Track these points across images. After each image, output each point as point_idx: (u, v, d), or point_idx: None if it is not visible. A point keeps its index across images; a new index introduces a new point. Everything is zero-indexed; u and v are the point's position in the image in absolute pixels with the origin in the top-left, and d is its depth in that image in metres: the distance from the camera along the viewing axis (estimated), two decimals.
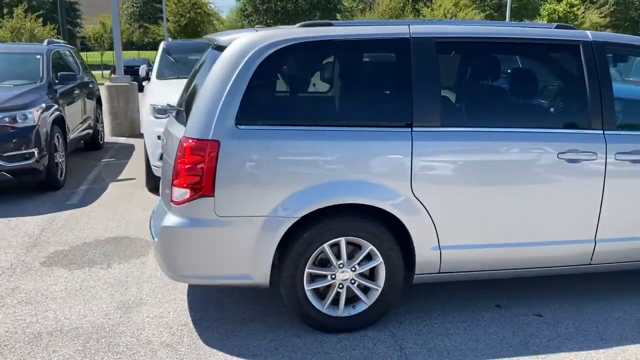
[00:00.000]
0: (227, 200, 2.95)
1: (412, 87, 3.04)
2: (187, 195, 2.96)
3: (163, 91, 6.30)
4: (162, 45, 7.48)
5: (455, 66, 3.41)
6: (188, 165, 2.93)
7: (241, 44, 3.00)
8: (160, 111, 5.99)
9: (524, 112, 3.39)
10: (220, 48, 3.21)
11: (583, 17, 31.59)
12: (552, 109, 3.48)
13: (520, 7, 35.07)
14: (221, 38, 3.18)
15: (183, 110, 3.41)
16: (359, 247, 3.13)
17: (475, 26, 3.29)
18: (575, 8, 27.81)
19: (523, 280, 3.70)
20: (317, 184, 2.99)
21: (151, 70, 7.17)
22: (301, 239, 3.01)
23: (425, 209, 3.08)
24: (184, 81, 6.71)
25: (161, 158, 5.72)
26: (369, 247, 3.09)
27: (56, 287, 3.83)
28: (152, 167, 5.99)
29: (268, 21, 52.82)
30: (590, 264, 3.42)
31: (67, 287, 3.84)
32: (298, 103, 3.09)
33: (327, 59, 3.38)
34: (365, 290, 3.19)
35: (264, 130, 2.98)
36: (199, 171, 2.91)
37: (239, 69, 2.94)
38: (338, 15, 57.18)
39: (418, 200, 3.06)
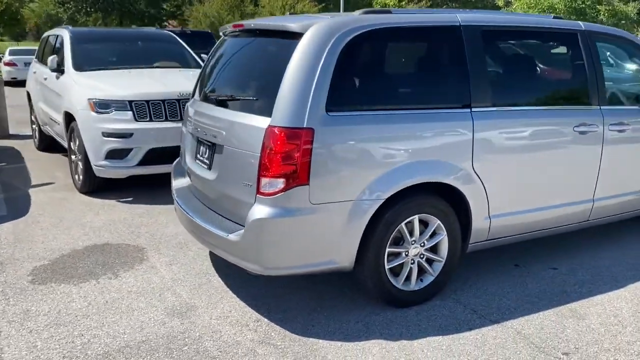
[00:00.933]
0: (320, 188, 2.94)
1: (468, 72, 3.31)
2: (282, 186, 2.89)
3: (99, 85, 5.75)
4: (67, 34, 6.71)
5: (497, 53, 3.75)
6: (282, 155, 2.86)
7: (323, 30, 2.99)
8: (102, 105, 5.51)
9: (550, 92, 3.86)
10: (270, 33, 3.17)
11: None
12: (566, 90, 4.00)
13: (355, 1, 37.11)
14: (292, 24, 3.10)
15: (228, 97, 3.27)
16: (425, 224, 3.33)
17: (505, 16, 3.66)
18: (404, 2, 30.35)
19: (529, 241, 4.21)
20: (399, 166, 3.12)
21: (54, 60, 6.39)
22: (384, 219, 3.11)
23: (482, 182, 3.38)
24: (115, 72, 6.28)
25: (110, 157, 5.35)
26: (437, 222, 3.31)
27: (77, 304, 3.41)
28: (95, 167, 5.48)
29: (88, 9, 48.58)
30: (587, 221, 4.03)
31: (90, 302, 3.44)
32: (378, 88, 3.16)
33: (399, 44, 3.48)
34: (430, 263, 3.40)
35: (351, 115, 3.02)
36: (294, 160, 2.86)
37: (324, 55, 2.94)
38: (164, 5, 54.31)
39: (477, 174, 3.35)
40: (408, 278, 3.33)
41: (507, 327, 3.17)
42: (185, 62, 7.14)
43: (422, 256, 3.34)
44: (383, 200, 3.07)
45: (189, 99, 5.26)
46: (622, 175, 4.05)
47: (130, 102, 5.49)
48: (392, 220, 3.14)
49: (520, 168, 3.54)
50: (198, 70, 6.34)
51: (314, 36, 2.97)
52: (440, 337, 3.05)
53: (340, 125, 2.97)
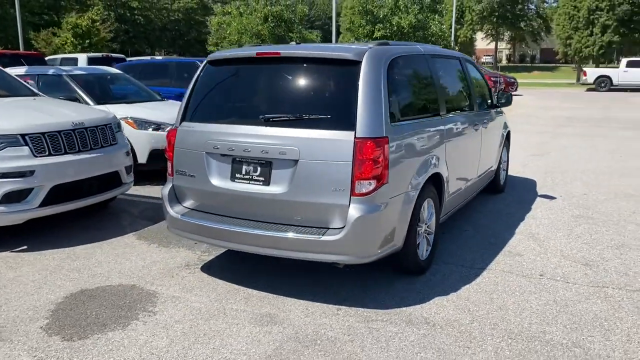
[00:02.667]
0: (391, 185, 3.64)
1: (437, 88, 4.44)
2: (373, 186, 3.50)
3: None
4: None
5: (441, 73, 4.88)
6: (372, 161, 3.47)
7: (376, 58, 3.68)
8: None
9: (464, 102, 5.22)
10: (317, 60, 3.72)
11: None
12: (463, 99, 5.40)
13: None
14: (346, 53, 3.66)
15: (296, 117, 3.64)
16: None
17: (429, 46, 4.88)
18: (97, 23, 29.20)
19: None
20: (425, 162, 4.04)
21: None
22: (418, 204, 3.99)
23: (447, 169, 4.53)
24: None
25: (6, 201, 4.67)
26: (432, 203, 4.33)
27: (134, 353, 3.27)
28: None
29: None
30: (475, 192, 5.60)
31: (149, 344, 3.33)
32: (407, 100, 3.94)
33: (410, 67, 4.26)
34: (428, 236, 4.39)
35: (401, 124, 3.80)
36: (380, 164, 3.51)
37: (382, 77, 3.65)
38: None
39: (447, 164, 4.49)
40: (420, 250, 4.25)
41: (491, 269, 4.38)
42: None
43: (426, 231, 4.30)
44: (420, 189, 3.93)
45: (83, 128, 5.03)
46: (483, 158, 5.74)
47: (24, 135, 4.81)
48: (421, 204, 4.03)
49: (458, 156, 4.82)
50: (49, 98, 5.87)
51: (372, 62, 3.64)
52: (463, 285, 4.07)
53: (398, 133, 3.72)
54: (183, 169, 4.05)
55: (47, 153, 4.94)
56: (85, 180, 5.23)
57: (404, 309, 3.69)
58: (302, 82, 3.85)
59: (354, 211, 3.49)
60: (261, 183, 3.72)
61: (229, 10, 24.87)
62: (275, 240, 3.63)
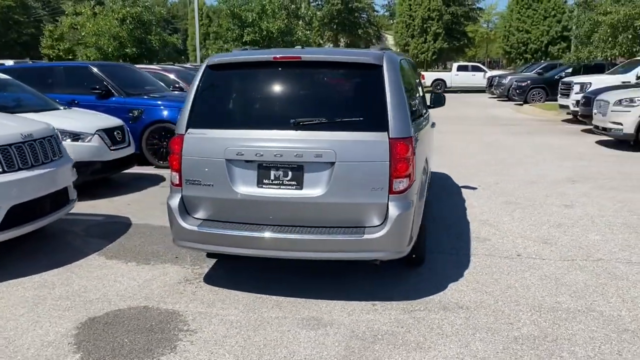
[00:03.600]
0: (415, 182, 3.87)
1: (419, 91, 4.75)
2: (407, 183, 3.69)
3: None
4: None
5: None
6: (406, 159, 3.66)
7: (393, 61, 3.87)
8: None
9: (423, 104, 5.57)
10: (337, 65, 3.83)
11: None
12: (423, 100, 5.76)
13: None
14: (367, 57, 3.78)
15: (329, 121, 3.69)
16: None
17: None
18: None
19: None
20: (423, 161, 4.32)
21: None
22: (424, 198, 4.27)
23: (427, 165, 4.89)
24: None
25: None
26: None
27: None
28: None
29: None
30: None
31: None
32: (411, 102, 4.16)
33: (405, 71, 4.42)
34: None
35: (414, 125, 4.03)
36: (411, 162, 3.71)
37: (400, 78, 3.85)
38: None
39: (426, 160, 4.83)
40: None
41: (475, 254, 4.81)
42: None
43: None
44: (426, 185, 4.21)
45: (33, 140, 4.55)
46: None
47: None
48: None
49: (424, 153, 5.19)
50: None
51: (392, 66, 3.81)
52: (463, 271, 4.43)
53: (414, 133, 3.94)
54: (196, 178, 3.85)
55: (1, 170, 4.33)
56: (41, 198, 4.67)
57: (431, 297, 3.93)
58: (325, 86, 3.91)
59: (394, 209, 3.64)
60: (294, 187, 3.70)
61: (81, 11, 22.99)
62: (315, 243, 3.64)
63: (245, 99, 4.05)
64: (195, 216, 3.93)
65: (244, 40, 21.43)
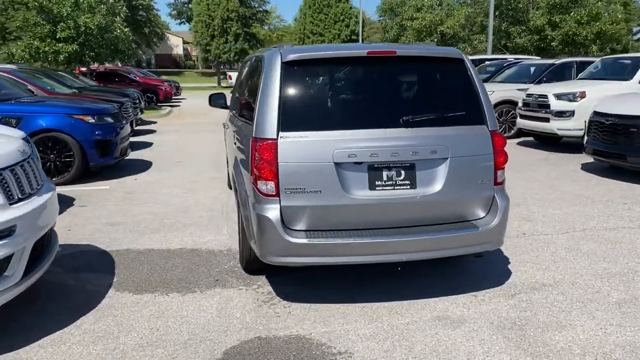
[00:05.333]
0: None
1: None
2: (504, 175, 3.83)
3: None
4: None
5: None
6: (503, 151, 3.80)
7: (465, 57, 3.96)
8: None
9: None
10: (422, 59, 3.82)
11: None
12: None
13: None
14: (450, 52, 3.77)
15: (438, 117, 3.65)
16: None
17: None
18: None
19: None
20: None
21: None
22: None
23: None
24: None
25: None
26: None
27: None
28: None
29: None
30: None
31: None
32: None
33: None
34: None
35: None
36: (506, 153, 3.87)
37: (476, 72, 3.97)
38: None
39: None
40: None
41: None
42: None
43: None
44: None
45: (29, 158, 3.88)
46: None
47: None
48: None
49: None
50: None
51: (469, 61, 3.90)
52: (503, 252, 4.75)
53: None
54: (299, 185, 3.46)
55: (16, 198, 3.32)
56: (48, 232, 3.69)
57: (508, 282, 4.13)
58: (420, 81, 3.81)
59: (501, 200, 3.75)
60: (408, 187, 3.56)
61: None
62: (434, 242, 3.57)
63: (339, 97, 3.75)
64: (296, 228, 3.54)
65: (57, 37, 18.77)
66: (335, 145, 3.47)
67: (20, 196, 3.36)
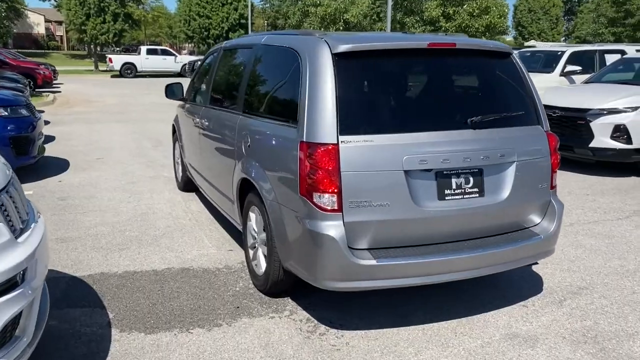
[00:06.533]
0: None
1: None
2: (556, 178, 3.64)
3: None
4: None
5: None
6: (557, 151, 3.60)
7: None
8: None
9: None
10: (475, 53, 3.51)
11: None
12: None
13: None
14: (500, 46, 3.47)
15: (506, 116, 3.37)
16: None
17: None
18: None
19: None
20: None
21: None
22: None
23: None
24: None
25: None
26: None
27: None
28: None
29: None
30: None
31: None
32: None
33: None
34: None
35: None
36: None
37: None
38: None
39: None
40: None
41: None
42: None
43: None
44: None
45: (13, 180, 3.19)
46: None
47: None
48: None
49: None
50: None
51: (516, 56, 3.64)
52: None
53: None
54: (365, 198, 2.97)
55: (18, 230, 2.50)
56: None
57: (545, 287, 3.98)
58: (480, 77, 3.46)
59: (557, 204, 3.54)
60: (476, 195, 3.22)
61: None
62: (506, 254, 3.28)
63: (401, 95, 3.28)
64: (359, 247, 3.06)
65: None
66: (405, 150, 3.04)
67: (21, 226, 2.54)
